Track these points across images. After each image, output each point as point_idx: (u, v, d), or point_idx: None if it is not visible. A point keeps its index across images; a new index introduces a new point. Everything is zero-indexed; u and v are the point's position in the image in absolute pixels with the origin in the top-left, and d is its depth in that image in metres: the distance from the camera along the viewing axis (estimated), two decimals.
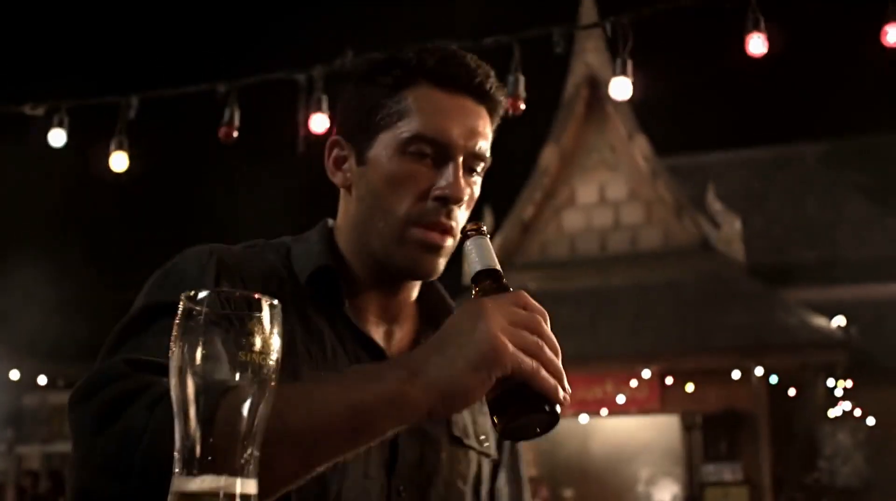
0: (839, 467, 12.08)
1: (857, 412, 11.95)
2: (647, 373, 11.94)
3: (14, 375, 14.07)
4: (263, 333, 0.68)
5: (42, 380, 14.86)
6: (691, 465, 12.09)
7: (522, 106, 3.10)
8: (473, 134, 1.14)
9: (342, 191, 1.21)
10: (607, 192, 13.70)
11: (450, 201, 1.12)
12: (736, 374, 11.51)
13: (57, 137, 4.10)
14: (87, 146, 4.52)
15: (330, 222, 1.24)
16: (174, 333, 0.68)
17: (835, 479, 12.06)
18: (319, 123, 3.64)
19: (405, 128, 1.12)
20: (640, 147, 13.08)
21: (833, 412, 11.96)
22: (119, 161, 4.02)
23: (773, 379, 11.50)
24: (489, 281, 1.05)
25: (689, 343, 11.83)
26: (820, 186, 15.29)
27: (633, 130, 13.25)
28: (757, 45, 3.40)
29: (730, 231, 12.65)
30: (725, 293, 12.34)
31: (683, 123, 19.72)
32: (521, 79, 3.11)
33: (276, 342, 0.69)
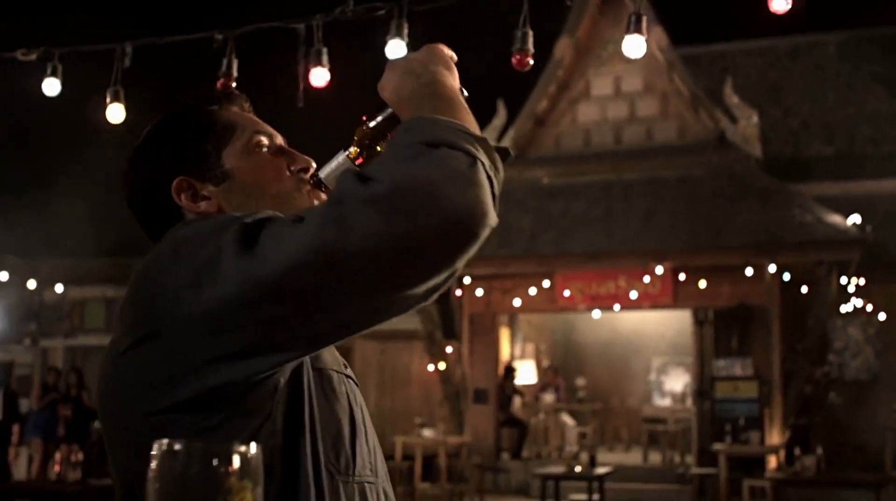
0: (849, 360, 12.23)
1: (869, 308, 12.00)
2: (659, 269, 11.95)
3: (36, 270, 14.27)
4: None
5: (63, 276, 15.08)
6: (702, 360, 12.24)
7: (531, 61, 2.99)
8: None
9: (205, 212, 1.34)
10: (622, 84, 13.44)
11: (309, 168, 1.38)
12: (749, 271, 11.52)
13: (51, 86, 4.02)
14: (84, 96, 4.44)
15: None
16: None
17: (844, 372, 12.23)
18: (319, 76, 3.54)
19: (242, 135, 1.37)
20: (657, 38, 12.73)
21: (844, 308, 12.01)
22: (115, 113, 3.95)
23: (786, 276, 11.50)
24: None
25: (702, 239, 11.81)
26: (839, 78, 14.93)
27: (649, 20, 12.88)
28: None
29: (746, 125, 12.44)
30: (740, 189, 12.23)
31: (700, 12, 19.11)
32: (530, 34, 2.99)
33: None
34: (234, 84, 3.61)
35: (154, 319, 1.13)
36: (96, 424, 13.10)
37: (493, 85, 13.86)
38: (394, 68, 1.26)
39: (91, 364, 16.50)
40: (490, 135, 13.62)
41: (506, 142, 13.56)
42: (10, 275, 13.36)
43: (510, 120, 13.58)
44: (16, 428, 10.16)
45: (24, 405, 13.11)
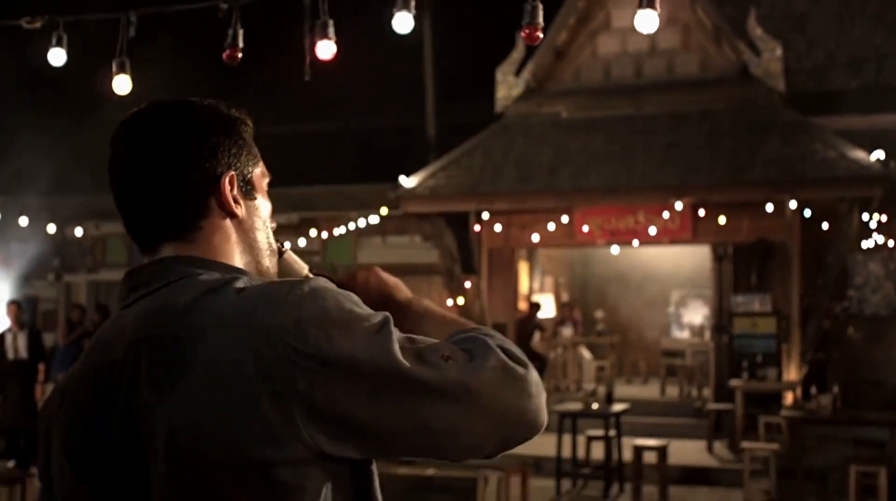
0: (868, 295, 12.17)
1: (891, 243, 11.90)
2: (679, 205, 11.87)
3: (56, 208, 14.37)
4: None
5: (83, 212, 15.16)
6: (721, 295, 12.22)
7: (540, 35, 2.92)
8: None
9: (222, 221, 1.27)
10: None
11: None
12: (769, 207, 11.42)
13: (57, 56, 3.97)
14: (90, 67, 4.39)
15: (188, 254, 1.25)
16: None
17: (863, 307, 12.18)
18: (325, 49, 3.48)
19: (261, 165, 1.35)
20: None
21: (865, 244, 11.92)
22: (122, 84, 3.91)
23: (807, 212, 11.40)
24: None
25: (723, 175, 11.69)
26: (867, 7, 14.51)
27: None
28: None
29: (770, 58, 12.18)
30: (763, 124, 12.05)
31: None
32: (540, 7, 2.91)
33: None
34: (239, 55, 3.57)
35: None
36: None
37: (511, 16, 13.64)
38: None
39: (113, 299, 16.72)
40: (509, 68, 13.44)
41: (525, 75, 13.39)
42: (31, 214, 13.46)
43: (529, 53, 13.36)
44: (42, 367, 10.33)
45: (50, 339, 13.35)
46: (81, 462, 1.18)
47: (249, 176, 1.30)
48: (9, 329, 10.28)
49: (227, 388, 1.07)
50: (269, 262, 1.35)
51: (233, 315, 1.10)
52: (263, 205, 1.34)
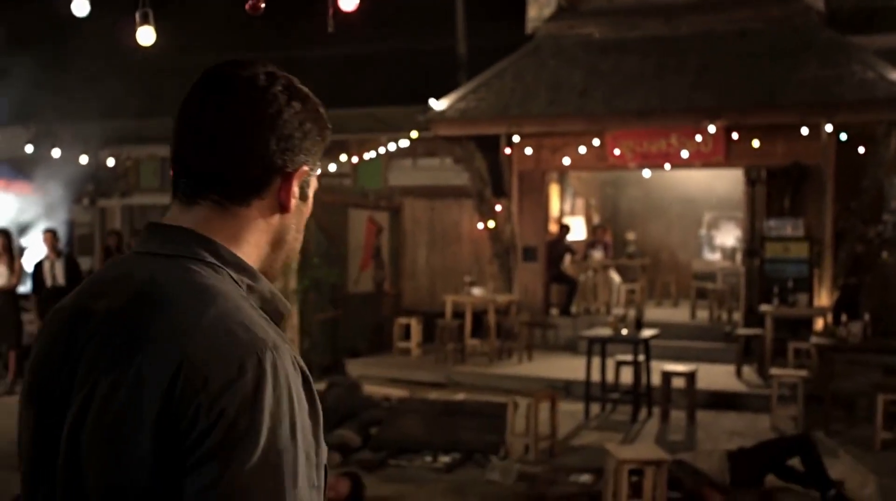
0: None
1: None
2: (712, 128, 11.71)
3: (90, 132, 14.46)
4: None
5: (118, 137, 15.26)
6: (753, 220, 12.11)
7: None
8: None
9: (269, 209, 1.25)
10: None
11: None
12: (804, 130, 11.23)
13: (80, 7, 3.95)
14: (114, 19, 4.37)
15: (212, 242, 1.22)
16: None
17: None
18: (348, 1, 3.43)
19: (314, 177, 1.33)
20: None
21: None
22: (145, 35, 3.89)
23: (843, 136, 11.19)
24: None
25: (757, 97, 11.48)
26: None
27: None
28: None
29: None
30: (800, 44, 11.76)
31: None
32: None
33: None
34: (262, 6, 3.53)
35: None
36: None
37: None
38: None
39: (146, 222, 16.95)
40: None
41: None
42: (64, 141, 13.57)
43: None
44: None
45: (87, 263, 13.58)
46: (38, 388, 1.21)
47: (311, 178, 1.30)
48: (46, 257, 10.48)
49: (136, 400, 1.08)
50: (280, 264, 1.34)
51: (192, 338, 1.09)
52: (305, 212, 1.32)
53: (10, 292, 10.42)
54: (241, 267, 1.22)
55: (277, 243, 1.28)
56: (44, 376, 1.20)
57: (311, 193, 1.33)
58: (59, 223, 15.51)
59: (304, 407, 1.12)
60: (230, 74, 1.22)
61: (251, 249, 1.25)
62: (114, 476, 1.07)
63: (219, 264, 1.19)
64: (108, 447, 1.08)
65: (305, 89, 1.28)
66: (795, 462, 6.33)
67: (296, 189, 1.25)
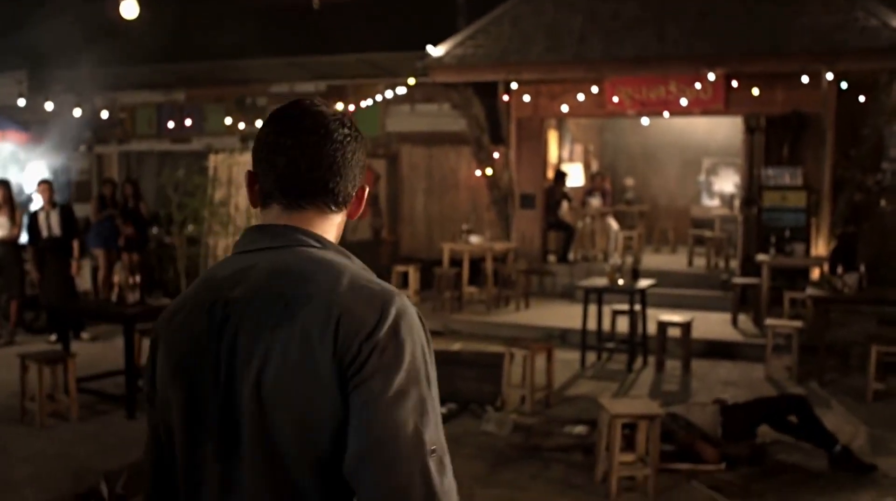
0: None
1: None
2: (712, 75, 11.61)
3: (87, 79, 14.33)
4: None
5: (113, 83, 15.12)
6: (751, 168, 12.07)
7: None
8: None
9: (343, 215, 1.64)
10: None
11: None
12: (805, 78, 11.13)
13: (129, 8, 3.87)
14: None
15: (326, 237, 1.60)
16: None
17: None
18: None
19: None
20: None
21: None
22: (129, 9, 3.82)
23: (844, 84, 11.10)
24: None
25: (758, 45, 11.34)
26: None
27: None
28: None
29: None
30: None
31: None
32: None
33: None
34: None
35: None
36: (154, 230, 13.58)
37: None
38: None
39: (143, 169, 16.87)
40: None
41: None
42: (62, 87, 13.45)
43: None
44: (76, 244, 10.53)
45: (85, 210, 13.56)
46: (186, 377, 1.51)
47: None
48: (41, 208, 10.45)
49: (307, 344, 1.41)
50: None
51: (331, 293, 1.44)
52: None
53: (11, 242, 10.42)
54: (337, 248, 1.59)
55: (338, 238, 1.65)
56: (190, 363, 1.51)
57: None
58: (57, 171, 15.48)
59: (425, 334, 1.48)
60: (337, 115, 1.60)
61: (333, 240, 1.63)
62: (305, 407, 1.40)
63: (323, 246, 1.56)
64: (297, 387, 1.40)
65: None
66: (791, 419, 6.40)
67: (361, 202, 1.65)
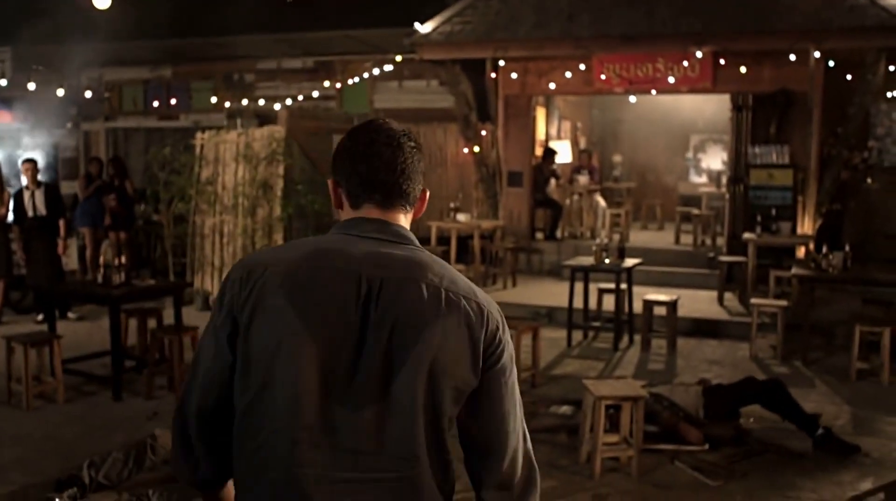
0: (890, 146, 12.00)
1: None
2: (699, 53, 11.59)
3: (73, 55, 14.21)
4: None
5: (100, 59, 14.99)
6: (738, 146, 12.07)
7: None
8: None
9: (411, 216, 1.97)
10: None
11: None
12: (792, 56, 11.12)
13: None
14: None
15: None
16: None
17: (884, 158, 12.05)
18: None
19: None
20: None
21: (890, 94, 11.65)
22: (101, 0, 3.79)
23: (831, 63, 11.10)
24: None
25: (746, 23, 11.31)
26: None
27: None
28: None
29: None
30: None
31: None
32: None
33: None
34: None
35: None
36: (141, 207, 13.53)
37: None
38: None
39: (130, 146, 16.78)
40: None
41: None
42: (47, 63, 13.31)
43: None
44: (62, 223, 10.48)
45: (73, 187, 13.50)
46: (326, 333, 1.76)
47: None
48: (26, 187, 10.39)
49: (471, 336, 1.81)
50: None
51: (478, 296, 1.86)
52: None
53: None
54: (421, 248, 1.93)
55: None
56: (332, 322, 1.77)
57: None
58: (44, 148, 15.39)
59: None
60: (404, 131, 1.92)
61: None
62: (463, 378, 1.80)
63: (419, 246, 1.91)
64: (462, 364, 1.79)
65: None
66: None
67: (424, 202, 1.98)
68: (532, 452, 1.94)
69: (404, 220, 1.92)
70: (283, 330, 1.75)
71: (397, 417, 1.76)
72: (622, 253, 9.58)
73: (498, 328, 1.84)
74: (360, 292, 1.77)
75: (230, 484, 1.97)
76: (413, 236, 1.91)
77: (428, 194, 1.98)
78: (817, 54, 10.96)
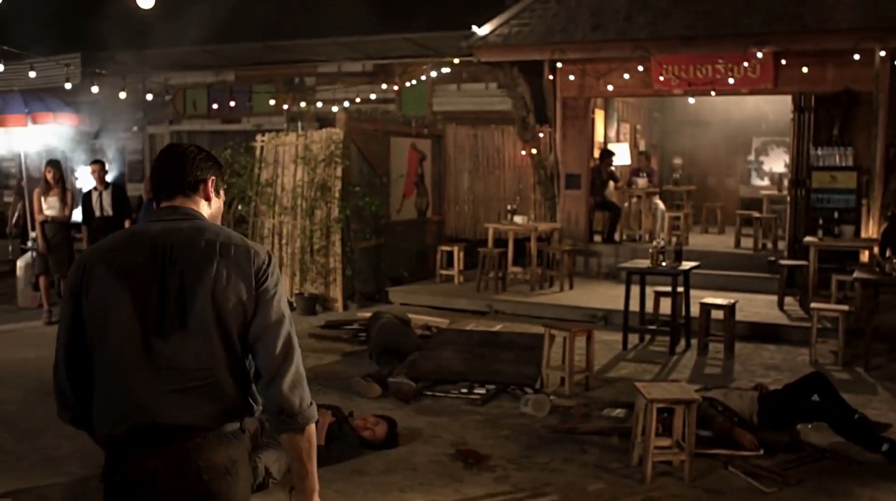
0: None
1: None
2: (760, 53, 11.43)
3: (141, 60, 14.54)
4: None
5: (166, 64, 15.29)
6: (800, 148, 11.86)
7: None
8: None
9: (202, 201, 2.62)
10: None
11: None
12: (856, 56, 10.90)
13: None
14: None
15: None
16: None
17: None
18: None
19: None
20: None
21: None
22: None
23: None
24: None
25: (808, 21, 11.12)
26: None
27: None
28: None
29: None
30: None
31: None
32: None
33: None
34: None
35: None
36: None
37: None
38: None
39: None
40: None
41: None
42: (114, 69, 13.62)
43: None
44: (128, 223, 10.76)
45: (138, 189, 13.80)
46: (133, 284, 2.38)
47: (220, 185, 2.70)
48: (94, 188, 10.68)
49: (241, 270, 2.43)
50: None
51: (244, 243, 2.49)
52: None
53: (63, 222, 10.65)
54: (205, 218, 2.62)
55: (214, 215, 2.66)
56: (137, 275, 2.38)
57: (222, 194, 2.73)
58: (111, 152, 15.78)
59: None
60: (190, 146, 2.75)
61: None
62: (240, 300, 2.40)
63: (203, 218, 2.56)
64: (237, 290, 2.40)
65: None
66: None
67: (212, 190, 2.62)
68: (295, 341, 2.48)
69: (195, 204, 2.54)
70: (107, 291, 2.38)
71: (196, 338, 2.37)
72: (679, 256, 9.49)
73: (264, 263, 2.45)
74: (157, 254, 2.39)
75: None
76: (200, 214, 2.53)
77: (212, 182, 2.59)
78: (882, 53, 10.73)
